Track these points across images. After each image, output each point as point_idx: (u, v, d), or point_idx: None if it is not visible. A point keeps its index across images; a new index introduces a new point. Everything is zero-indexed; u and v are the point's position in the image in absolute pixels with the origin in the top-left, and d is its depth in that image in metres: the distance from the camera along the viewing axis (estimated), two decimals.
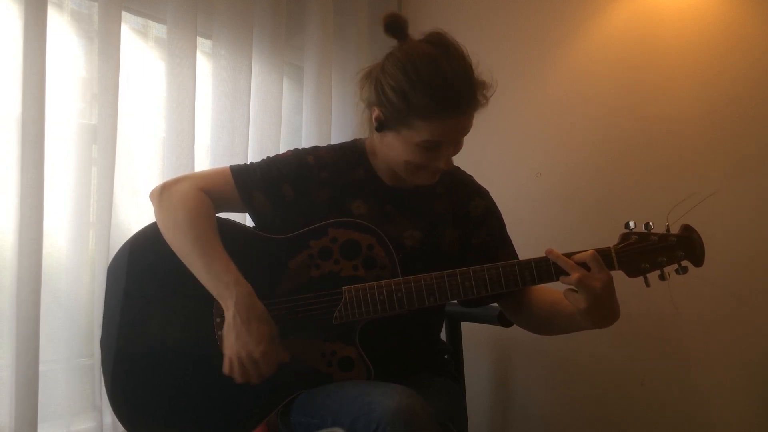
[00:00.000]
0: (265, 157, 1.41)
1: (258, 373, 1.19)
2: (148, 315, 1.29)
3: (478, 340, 2.08)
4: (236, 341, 1.18)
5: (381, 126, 1.27)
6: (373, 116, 1.28)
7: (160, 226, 1.30)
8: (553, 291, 1.35)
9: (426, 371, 1.43)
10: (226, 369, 1.20)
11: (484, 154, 2.11)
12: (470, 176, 1.48)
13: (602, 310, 1.19)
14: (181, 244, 1.26)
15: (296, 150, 1.41)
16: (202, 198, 1.30)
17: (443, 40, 1.25)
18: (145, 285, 1.30)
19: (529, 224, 2.01)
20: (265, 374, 1.20)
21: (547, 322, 1.36)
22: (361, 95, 1.32)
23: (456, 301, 1.44)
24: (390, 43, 1.30)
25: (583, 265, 1.19)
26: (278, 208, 1.35)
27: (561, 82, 2.03)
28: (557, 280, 1.23)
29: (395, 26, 1.28)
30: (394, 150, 1.29)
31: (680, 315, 1.75)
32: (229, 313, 1.19)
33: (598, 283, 1.16)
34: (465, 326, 1.84)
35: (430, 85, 1.19)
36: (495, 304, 1.45)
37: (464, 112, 1.22)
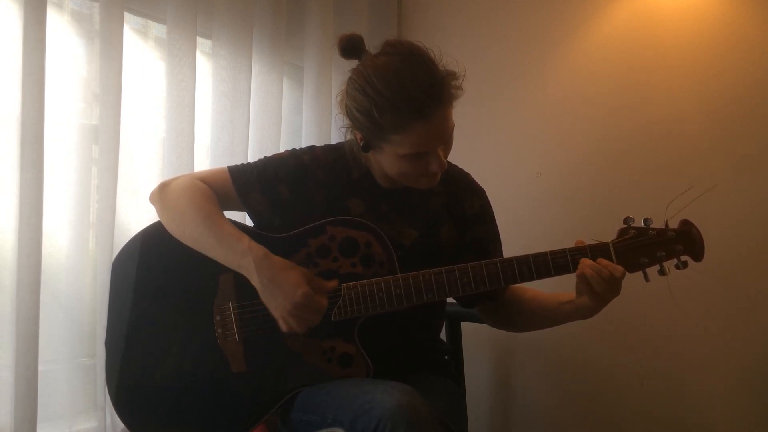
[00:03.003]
0: (262, 157, 1.41)
1: (312, 314, 1.20)
2: (152, 313, 1.29)
3: (478, 340, 2.08)
4: (275, 300, 1.19)
5: (365, 147, 1.27)
6: (357, 138, 1.28)
7: (165, 222, 1.30)
8: (528, 288, 1.40)
9: (426, 371, 1.43)
10: (284, 328, 1.21)
11: (485, 154, 2.11)
12: (467, 174, 1.48)
13: (599, 307, 1.25)
14: (190, 229, 1.26)
15: (293, 150, 1.41)
16: (202, 186, 1.31)
17: (397, 47, 1.22)
18: (148, 283, 1.31)
19: (529, 224, 2.01)
20: (321, 310, 1.20)
21: (527, 317, 1.40)
22: (344, 121, 1.31)
23: (455, 301, 1.45)
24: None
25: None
26: (275, 208, 1.35)
27: (561, 82, 2.03)
28: (555, 275, 1.24)
29: (351, 48, 1.25)
30: (385, 165, 1.29)
31: (680, 314, 1.75)
32: (255, 281, 1.20)
33: (610, 295, 1.23)
34: (465, 326, 1.84)
35: (390, 98, 1.17)
36: None
37: (436, 112, 1.19)
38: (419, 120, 1.18)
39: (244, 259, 1.21)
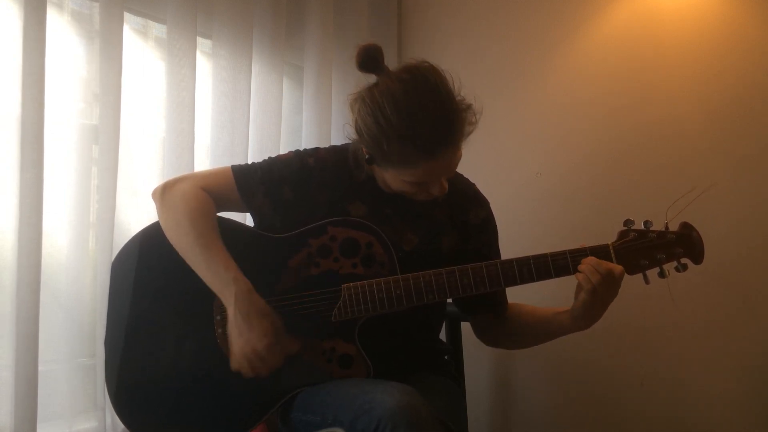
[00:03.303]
0: (266, 157, 1.41)
1: (265, 367, 1.20)
2: (152, 313, 1.29)
3: (478, 341, 2.08)
4: (239, 338, 1.19)
5: (369, 161, 1.27)
6: (363, 150, 1.27)
7: (162, 224, 1.31)
8: (525, 304, 1.42)
9: (426, 371, 1.43)
10: (234, 366, 1.21)
11: (484, 154, 2.11)
12: (472, 184, 1.48)
13: (597, 310, 1.24)
14: (182, 242, 1.26)
15: (297, 151, 1.41)
16: (203, 196, 1.30)
17: (415, 75, 1.19)
18: (148, 283, 1.31)
19: (529, 224, 2.01)
20: (273, 367, 1.20)
21: (524, 330, 1.40)
22: (351, 132, 1.29)
23: (456, 308, 1.46)
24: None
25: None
26: (278, 209, 1.35)
27: (561, 82, 2.03)
28: (555, 277, 1.24)
29: (369, 61, 1.22)
30: (387, 179, 1.29)
31: (680, 314, 1.75)
32: (230, 311, 1.20)
33: (607, 293, 1.22)
34: (465, 326, 1.84)
35: (401, 134, 1.16)
36: None
37: (444, 151, 1.19)
38: (428, 159, 1.19)
39: (227, 288, 1.20)
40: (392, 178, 1.27)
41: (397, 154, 1.19)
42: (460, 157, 1.26)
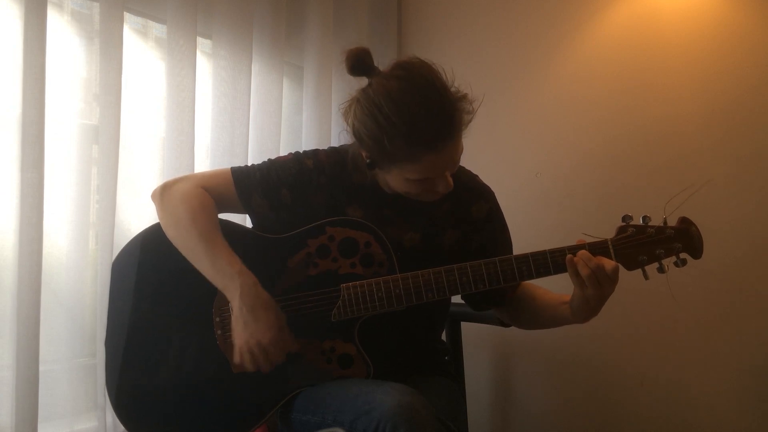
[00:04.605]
0: (266, 159, 1.41)
1: (268, 360, 1.20)
2: (152, 314, 1.29)
3: (478, 340, 2.08)
4: (244, 330, 1.19)
5: (371, 165, 1.26)
6: (362, 155, 1.27)
7: (162, 224, 1.30)
8: (540, 287, 1.40)
9: (426, 371, 1.43)
10: (236, 359, 1.21)
11: (484, 154, 2.11)
12: (473, 175, 1.47)
13: (592, 304, 1.23)
14: (184, 240, 1.26)
15: (297, 153, 1.40)
16: (203, 195, 1.30)
17: (408, 71, 1.19)
18: (148, 285, 1.31)
19: (529, 224, 2.01)
20: (276, 361, 1.20)
21: (534, 315, 1.39)
22: (349, 136, 1.28)
23: (467, 304, 1.45)
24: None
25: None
26: (277, 211, 1.35)
27: (561, 82, 2.03)
28: (554, 274, 1.24)
29: (359, 64, 1.21)
30: (391, 182, 1.29)
31: (680, 313, 1.75)
32: (235, 304, 1.20)
33: (595, 285, 1.20)
34: (465, 326, 1.84)
35: (402, 130, 1.16)
36: None
37: (446, 143, 1.19)
38: (431, 153, 1.18)
39: (232, 282, 1.20)
40: (396, 179, 1.26)
41: (399, 151, 1.18)
42: (462, 150, 1.25)
